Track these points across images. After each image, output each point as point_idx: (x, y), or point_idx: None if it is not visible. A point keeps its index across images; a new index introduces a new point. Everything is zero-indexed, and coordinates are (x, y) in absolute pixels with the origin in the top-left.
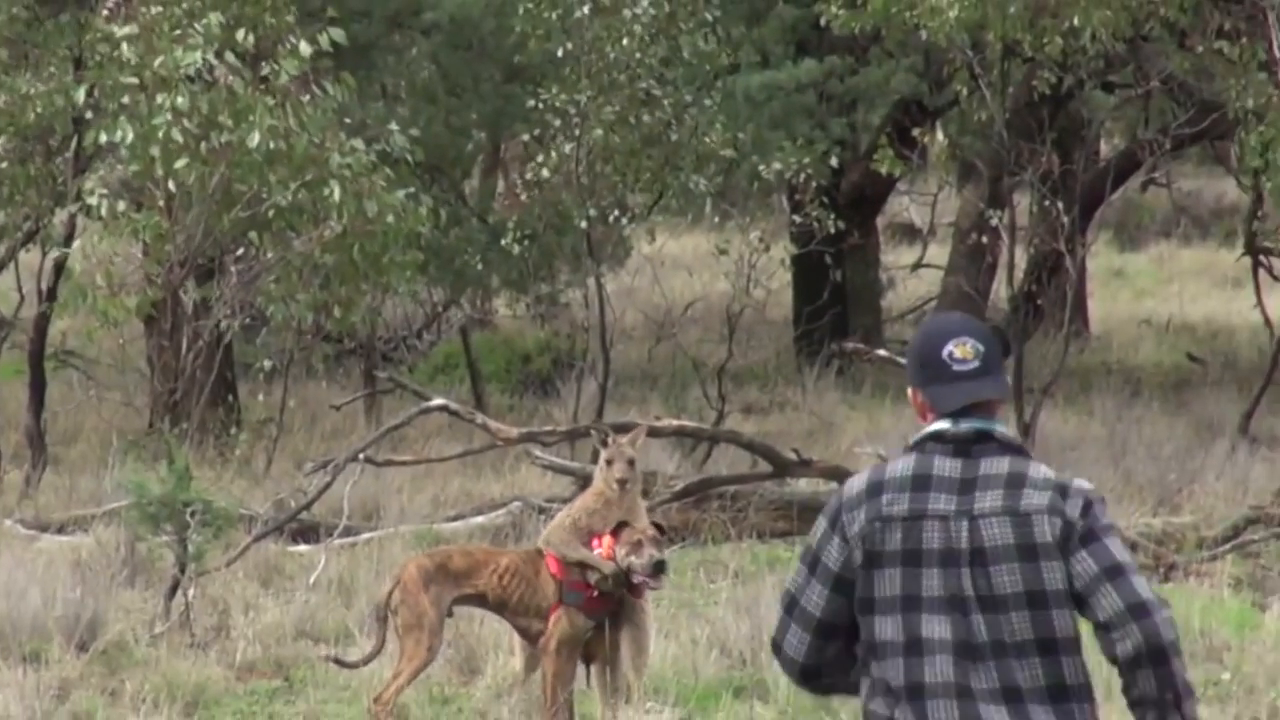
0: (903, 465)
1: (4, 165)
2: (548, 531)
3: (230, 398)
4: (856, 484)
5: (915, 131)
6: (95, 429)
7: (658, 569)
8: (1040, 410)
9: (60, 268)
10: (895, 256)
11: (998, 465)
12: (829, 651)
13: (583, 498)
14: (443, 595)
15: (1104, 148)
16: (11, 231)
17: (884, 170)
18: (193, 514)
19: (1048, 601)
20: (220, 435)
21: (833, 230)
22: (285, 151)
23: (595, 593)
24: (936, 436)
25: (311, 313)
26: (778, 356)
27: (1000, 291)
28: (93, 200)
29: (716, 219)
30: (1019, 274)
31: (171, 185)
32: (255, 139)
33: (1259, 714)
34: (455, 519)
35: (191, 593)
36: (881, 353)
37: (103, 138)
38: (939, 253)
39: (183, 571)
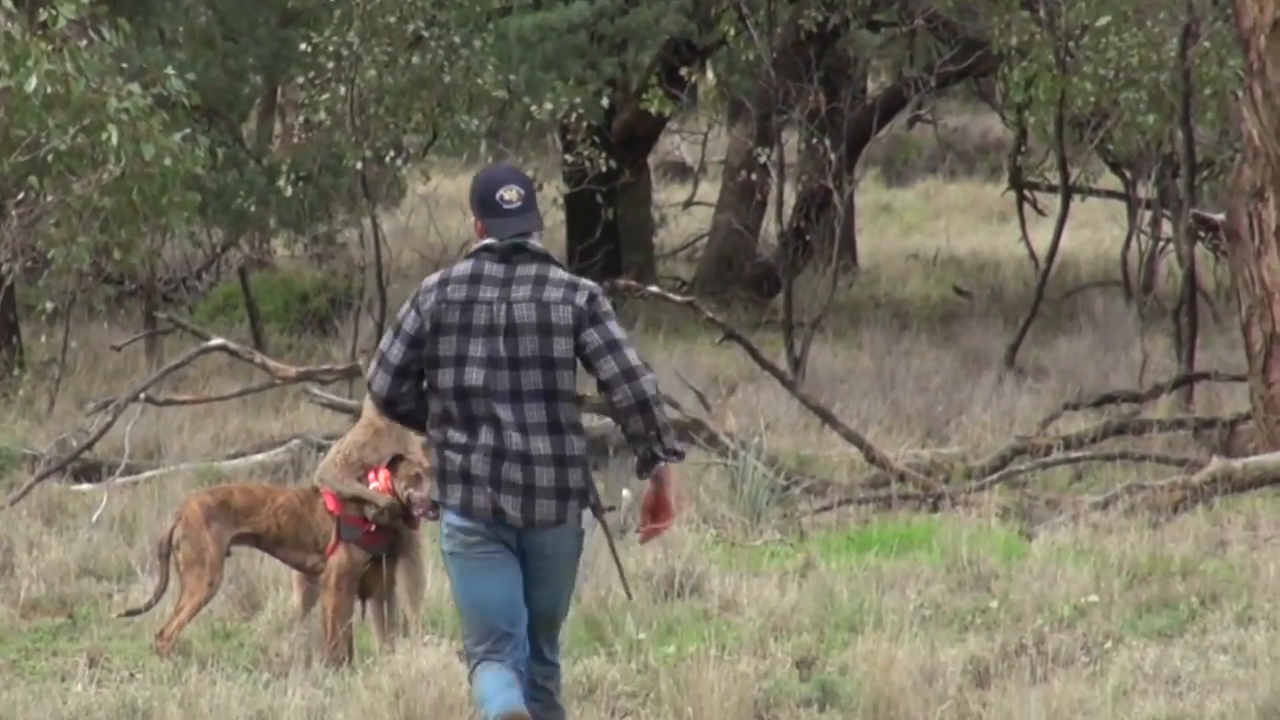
0: (463, 266)
1: None
2: (321, 468)
3: (12, 339)
4: (432, 279)
5: (684, 71)
6: None
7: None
8: (810, 344)
9: None
10: (667, 194)
11: (528, 269)
12: (403, 388)
13: (353, 431)
14: (223, 532)
15: (870, 85)
16: None
17: (654, 109)
18: None
19: (554, 365)
20: (3, 376)
21: (605, 169)
22: (63, 96)
23: (372, 527)
24: (487, 248)
25: (91, 255)
26: None
27: (770, 228)
28: None
29: (490, 159)
30: (788, 210)
31: None
32: (33, 84)
33: (1025, 641)
34: (235, 457)
35: None
36: (654, 289)
37: None
38: (710, 190)
39: None
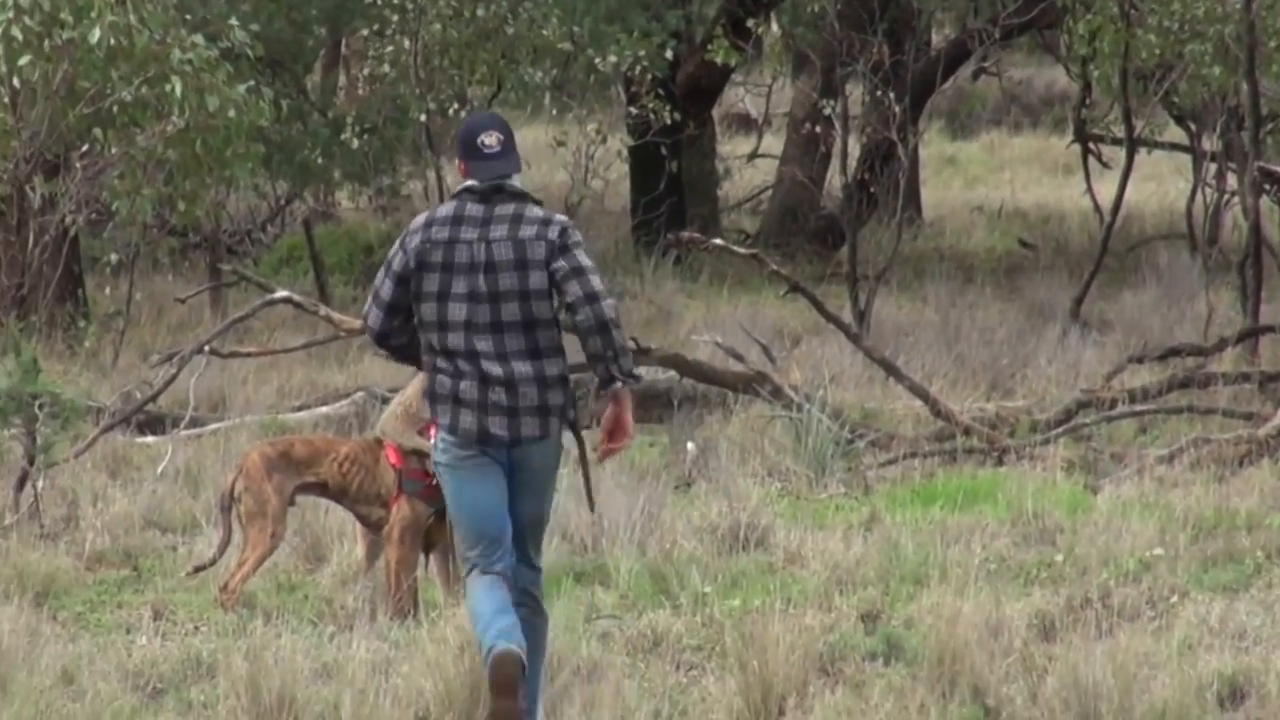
0: (446, 208)
1: None
2: (383, 420)
3: (77, 292)
4: (419, 220)
5: (750, 23)
6: None
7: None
8: (875, 296)
9: None
10: (731, 147)
11: (506, 209)
12: (395, 323)
13: (414, 383)
14: (285, 483)
15: (935, 37)
16: None
17: (719, 61)
18: (41, 406)
19: (530, 296)
20: (68, 329)
21: (669, 121)
22: (127, 48)
23: (433, 480)
24: (469, 190)
25: (156, 207)
26: (616, 246)
27: (834, 180)
28: None
29: (554, 111)
30: (853, 163)
31: (16, 82)
32: (96, 35)
33: (1090, 595)
34: (300, 409)
35: (40, 484)
36: (718, 242)
37: None
38: (774, 143)
39: (31, 463)
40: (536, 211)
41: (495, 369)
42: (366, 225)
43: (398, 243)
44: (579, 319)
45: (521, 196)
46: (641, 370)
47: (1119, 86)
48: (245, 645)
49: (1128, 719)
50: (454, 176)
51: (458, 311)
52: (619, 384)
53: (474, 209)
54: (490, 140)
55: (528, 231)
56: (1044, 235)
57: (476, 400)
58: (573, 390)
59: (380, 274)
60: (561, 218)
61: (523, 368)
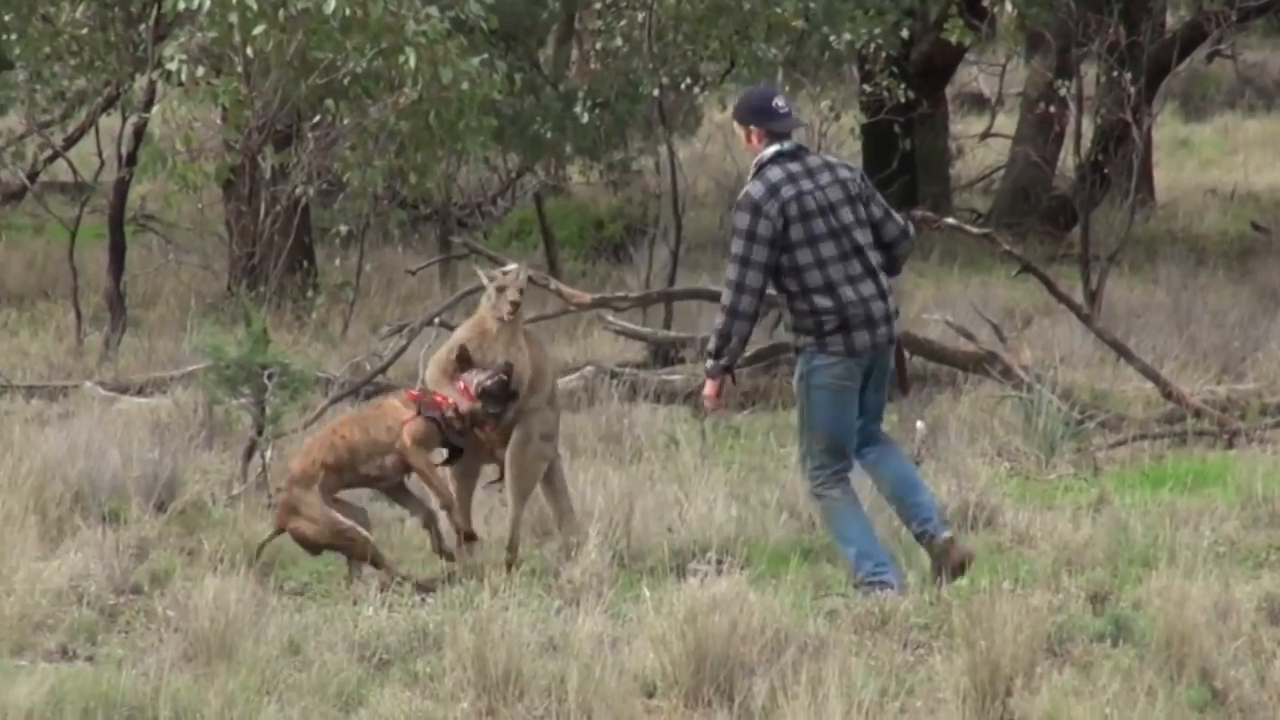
0: (777, 172)
1: (85, 31)
2: (430, 365)
3: (307, 262)
4: (758, 191)
5: (985, 2)
6: (174, 292)
7: (483, 394)
8: (1106, 278)
9: (140, 133)
10: (964, 126)
11: (813, 161)
12: (765, 290)
13: (464, 329)
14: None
15: (1170, 19)
16: (92, 97)
17: (953, 40)
18: (270, 376)
19: (864, 224)
20: (297, 299)
21: (902, 99)
22: (361, 19)
23: (451, 411)
24: (778, 155)
25: (386, 179)
26: None
27: (1067, 160)
28: (172, 66)
29: (787, 88)
30: (1086, 143)
31: (250, 52)
32: (331, 6)
33: None
34: None
35: (269, 454)
36: (950, 221)
37: (181, 4)
38: (1007, 122)
39: (260, 433)
40: (836, 159)
41: (867, 288)
42: (597, 200)
43: (750, 216)
44: (898, 246)
45: (812, 152)
46: None
47: None
48: (471, 618)
49: None
50: (686, 152)
51: (828, 249)
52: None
53: (794, 167)
54: (781, 102)
55: (843, 174)
56: (1277, 219)
57: (864, 318)
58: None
59: (743, 248)
60: (855, 165)
61: (880, 284)
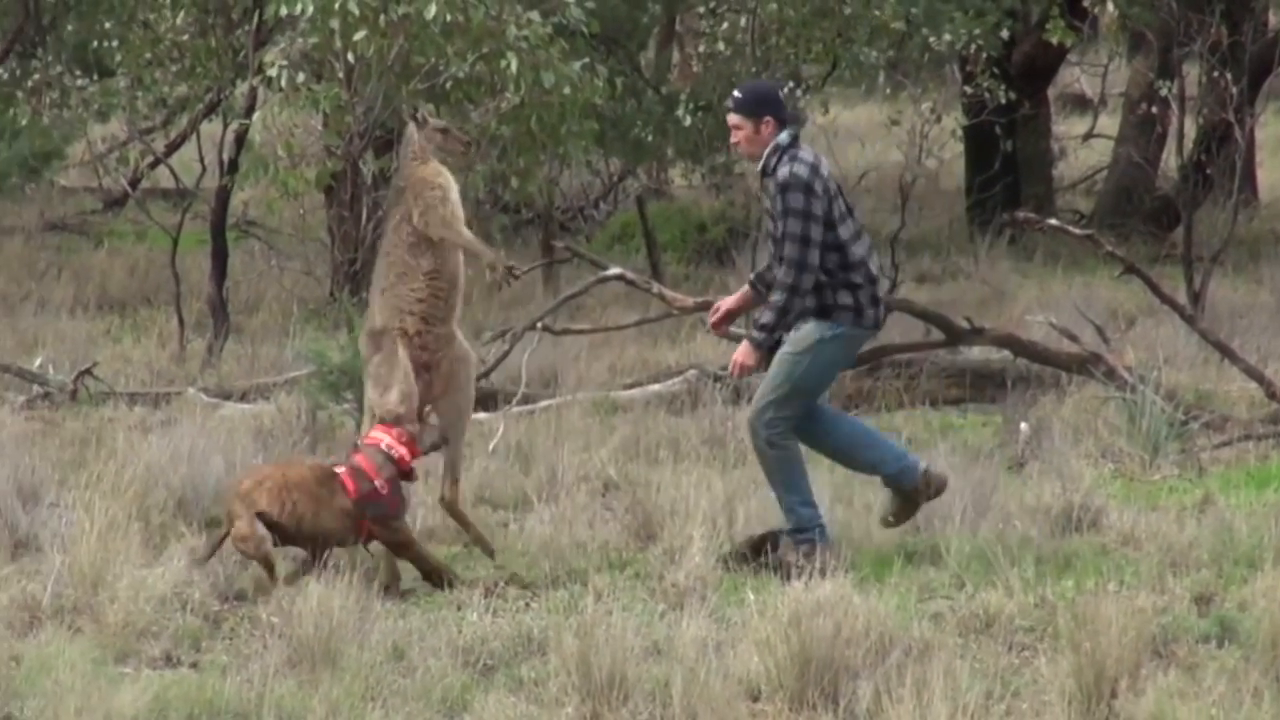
0: (808, 152)
1: (186, 38)
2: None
3: None
4: (803, 171)
5: (1086, 2)
6: (276, 298)
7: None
8: (1210, 278)
9: (241, 139)
10: (1066, 126)
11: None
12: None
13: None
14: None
15: (1272, 18)
16: (193, 103)
17: (1055, 41)
18: None
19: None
20: None
21: (1004, 101)
22: (462, 24)
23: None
24: (795, 139)
25: (488, 183)
26: (950, 226)
27: (1170, 161)
28: (273, 72)
29: (889, 90)
30: (1188, 144)
31: (351, 57)
32: (432, 11)
33: None
34: (631, 387)
35: None
36: (1053, 222)
37: (283, 10)
38: (1109, 123)
39: None
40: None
41: (876, 265)
42: (699, 203)
43: (804, 196)
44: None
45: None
46: (975, 351)
47: None
48: (576, 623)
49: None
50: None
51: (853, 226)
52: None
53: (811, 152)
54: (785, 94)
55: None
56: None
57: (880, 296)
58: None
59: (802, 227)
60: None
61: (877, 264)
